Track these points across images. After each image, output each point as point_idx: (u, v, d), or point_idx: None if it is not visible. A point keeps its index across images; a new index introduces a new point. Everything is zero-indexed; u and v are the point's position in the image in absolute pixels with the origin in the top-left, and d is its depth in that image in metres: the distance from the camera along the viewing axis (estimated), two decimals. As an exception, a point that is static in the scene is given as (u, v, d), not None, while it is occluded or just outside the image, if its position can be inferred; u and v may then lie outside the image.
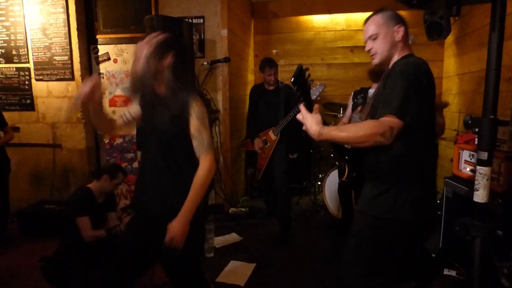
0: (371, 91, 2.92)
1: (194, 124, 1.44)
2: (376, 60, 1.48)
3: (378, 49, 1.45)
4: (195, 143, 1.46)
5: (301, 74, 1.34)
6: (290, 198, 3.23)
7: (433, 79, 1.39)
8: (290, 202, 3.22)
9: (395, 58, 1.45)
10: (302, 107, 1.38)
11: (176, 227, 1.41)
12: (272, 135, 3.15)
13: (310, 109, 1.38)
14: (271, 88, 3.20)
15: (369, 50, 1.49)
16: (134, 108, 1.61)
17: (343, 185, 2.87)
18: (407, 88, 1.28)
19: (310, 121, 1.34)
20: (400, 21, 1.45)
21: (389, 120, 1.27)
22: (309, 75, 1.39)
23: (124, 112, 1.61)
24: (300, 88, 1.35)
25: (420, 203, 1.41)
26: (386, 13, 1.46)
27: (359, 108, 2.73)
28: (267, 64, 3.11)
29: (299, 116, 1.40)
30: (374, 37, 1.45)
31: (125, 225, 2.26)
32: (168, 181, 1.51)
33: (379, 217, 1.42)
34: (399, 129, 1.27)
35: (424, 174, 1.42)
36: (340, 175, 2.87)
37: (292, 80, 1.34)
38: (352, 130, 1.31)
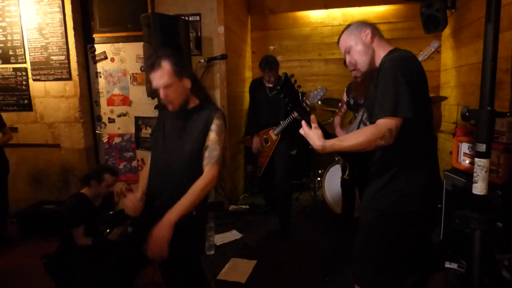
0: None
1: (212, 137, 1.52)
2: (361, 68, 1.51)
3: (356, 57, 1.49)
4: (206, 154, 1.50)
5: (286, 82, 1.38)
6: (290, 195, 3.23)
7: (421, 68, 1.40)
8: (290, 199, 3.22)
9: (380, 55, 1.46)
10: (303, 123, 1.44)
11: (160, 232, 1.40)
12: (272, 135, 3.15)
13: (303, 113, 1.45)
14: (271, 85, 3.18)
15: (350, 63, 1.53)
16: None
17: (345, 182, 2.88)
18: (397, 84, 1.28)
19: (312, 137, 1.40)
20: (364, 26, 1.49)
21: (386, 123, 1.28)
22: (295, 81, 1.44)
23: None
24: (287, 95, 1.39)
25: (424, 193, 1.41)
26: (350, 26, 1.53)
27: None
28: (267, 66, 3.05)
29: (301, 131, 1.46)
30: (348, 50, 1.51)
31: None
32: (183, 191, 1.51)
33: (384, 210, 1.42)
34: (397, 128, 1.28)
35: (425, 163, 1.43)
36: (343, 171, 2.88)
37: (278, 88, 1.39)
38: (353, 139, 1.33)
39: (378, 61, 1.46)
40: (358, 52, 1.47)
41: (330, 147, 1.37)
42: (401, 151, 1.37)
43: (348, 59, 1.52)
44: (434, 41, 2.24)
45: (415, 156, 1.40)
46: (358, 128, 2.69)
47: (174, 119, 1.64)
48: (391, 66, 1.33)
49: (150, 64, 1.50)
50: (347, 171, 1.62)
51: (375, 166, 1.47)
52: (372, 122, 1.34)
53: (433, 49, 2.33)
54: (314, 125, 1.41)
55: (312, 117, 1.42)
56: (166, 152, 1.60)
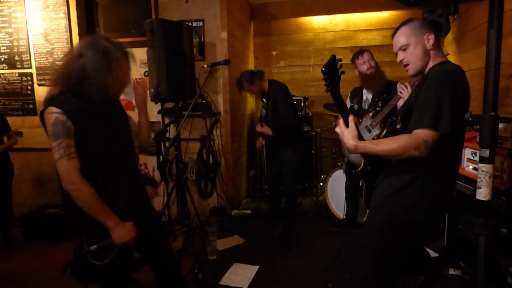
0: (366, 91, 2.93)
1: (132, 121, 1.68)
2: (411, 72, 1.47)
3: (410, 59, 1.45)
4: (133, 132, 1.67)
5: (333, 64, 1.36)
6: (295, 201, 3.26)
7: (467, 85, 1.38)
8: (295, 205, 3.25)
9: (430, 65, 1.44)
10: (340, 121, 1.43)
11: None
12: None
13: (337, 99, 1.43)
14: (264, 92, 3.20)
15: (401, 61, 1.48)
16: (73, 140, 1.35)
17: (356, 176, 2.85)
18: (441, 98, 1.27)
19: (347, 135, 1.40)
20: (429, 29, 1.43)
21: (423, 134, 1.26)
22: (341, 66, 1.40)
23: (70, 150, 1.34)
24: (329, 78, 1.37)
25: (436, 205, 1.41)
26: (413, 22, 1.45)
27: (371, 113, 2.73)
28: (239, 88, 3.19)
29: (337, 130, 1.46)
30: (404, 48, 1.45)
31: None
32: (139, 178, 1.64)
33: (392, 214, 1.42)
34: (434, 141, 1.26)
35: (445, 175, 1.42)
36: (354, 166, 2.84)
37: (323, 69, 1.36)
38: (386, 144, 1.33)
39: (426, 70, 1.44)
40: (416, 55, 1.43)
41: (362, 148, 1.37)
42: (423, 160, 1.33)
43: (401, 56, 1.47)
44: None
45: (437, 169, 1.39)
46: (366, 134, 2.69)
47: (105, 112, 1.43)
48: (438, 78, 1.31)
49: (125, 52, 1.48)
50: (361, 166, 1.60)
51: (392, 169, 1.46)
52: (409, 130, 1.33)
53: None
54: (351, 124, 1.41)
55: (351, 117, 1.42)
56: (117, 147, 1.48)
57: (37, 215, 3.35)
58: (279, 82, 3.14)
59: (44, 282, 2.28)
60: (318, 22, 4.59)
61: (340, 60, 1.41)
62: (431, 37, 1.41)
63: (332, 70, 1.38)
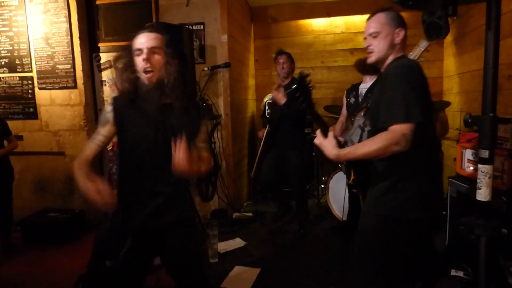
0: (362, 86, 2.94)
1: (202, 137, 1.57)
2: (372, 58, 1.51)
3: (376, 48, 1.48)
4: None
5: (302, 81, 1.39)
6: (305, 199, 3.38)
7: (425, 76, 1.42)
8: (306, 203, 3.37)
9: (390, 59, 1.48)
10: (318, 133, 1.45)
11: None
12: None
13: (313, 114, 1.45)
14: (285, 82, 3.15)
15: (367, 47, 1.51)
16: (106, 129, 1.50)
17: (350, 187, 2.88)
18: (405, 90, 1.30)
19: (327, 146, 1.41)
20: (401, 23, 1.48)
21: (400, 128, 1.28)
22: (310, 80, 1.43)
23: (96, 137, 1.50)
24: (302, 95, 1.40)
25: (427, 200, 1.41)
26: (390, 13, 1.49)
27: (363, 111, 2.73)
28: (277, 53, 3.20)
29: (316, 141, 1.46)
30: (374, 35, 1.48)
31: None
32: (175, 193, 1.53)
33: (386, 215, 1.42)
34: (411, 133, 1.28)
35: (429, 169, 1.43)
36: (347, 176, 2.87)
37: (294, 87, 1.40)
38: (367, 146, 1.34)
39: (386, 62, 1.48)
40: (382, 45, 1.46)
41: (344, 155, 1.38)
42: (405, 157, 1.36)
43: (368, 41, 1.50)
44: (422, 41, 2.20)
45: (419, 163, 1.40)
46: (359, 134, 2.68)
47: (149, 114, 1.47)
48: (398, 73, 1.35)
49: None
50: (352, 177, 1.62)
51: (379, 171, 1.47)
52: (382, 128, 1.34)
53: (422, 49, 2.30)
54: (330, 133, 1.43)
55: (330, 128, 1.45)
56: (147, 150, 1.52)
57: (38, 219, 3.36)
58: None
59: (45, 286, 2.28)
60: (318, 24, 4.60)
61: (308, 75, 1.45)
62: (402, 33, 1.46)
63: (303, 86, 1.41)
